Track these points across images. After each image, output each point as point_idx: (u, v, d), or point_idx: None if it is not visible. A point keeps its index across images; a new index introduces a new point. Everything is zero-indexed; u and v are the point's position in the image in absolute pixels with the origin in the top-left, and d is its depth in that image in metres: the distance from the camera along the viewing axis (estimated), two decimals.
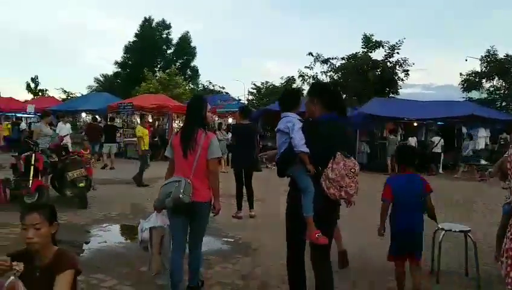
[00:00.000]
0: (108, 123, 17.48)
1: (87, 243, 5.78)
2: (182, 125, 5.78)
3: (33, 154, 7.77)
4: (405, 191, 3.78)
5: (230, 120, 19.55)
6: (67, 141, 14.82)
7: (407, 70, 29.60)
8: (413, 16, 76.55)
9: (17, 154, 8.59)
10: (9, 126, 21.71)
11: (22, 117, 24.40)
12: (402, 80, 29.92)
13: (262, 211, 7.84)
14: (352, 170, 3.08)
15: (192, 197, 3.51)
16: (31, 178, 7.55)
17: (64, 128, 14.83)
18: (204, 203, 3.71)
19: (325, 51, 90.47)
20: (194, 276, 3.84)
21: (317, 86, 5.48)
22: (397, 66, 29.68)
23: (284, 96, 3.55)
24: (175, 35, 47.57)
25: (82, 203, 7.82)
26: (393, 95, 30.40)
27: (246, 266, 4.88)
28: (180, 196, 3.44)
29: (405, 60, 29.34)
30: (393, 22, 70.22)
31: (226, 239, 6.04)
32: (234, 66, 78.77)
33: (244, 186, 7.65)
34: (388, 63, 29.69)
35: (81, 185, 7.87)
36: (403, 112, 17.91)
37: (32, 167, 7.65)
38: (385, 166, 15.73)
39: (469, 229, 4.36)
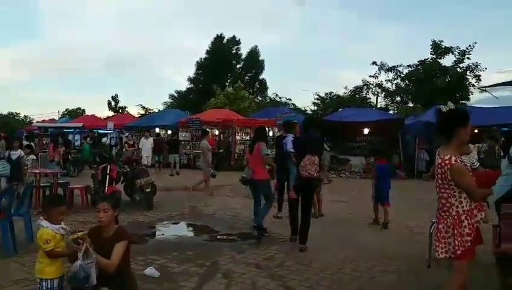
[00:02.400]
0: (173, 137, 19.36)
1: (150, 235, 6.98)
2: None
3: (108, 166, 9.22)
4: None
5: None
6: (149, 154, 16.57)
7: (479, 76, 28.56)
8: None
9: (95, 166, 10.15)
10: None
11: (103, 133, 26.89)
12: (473, 85, 28.94)
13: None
14: (314, 161, 6.00)
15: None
16: (106, 185, 8.96)
17: (146, 143, 16.54)
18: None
19: (396, 58, 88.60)
20: (260, 219, 6.81)
21: (306, 119, 8.02)
22: (468, 71, 28.78)
23: (285, 125, 8.20)
24: (244, 50, 49.23)
25: (148, 205, 9.11)
26: (463, 102, 29.42)
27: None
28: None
29: (476, 65, 28.43)
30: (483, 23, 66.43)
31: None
32: (304, 76, 79.35)
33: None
34: (458, 69, 28.85)
35: (148, 190, 9.19)
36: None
37: (107, 176, 9.09)
38: None
39: None
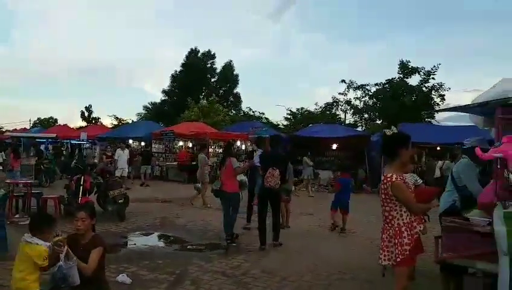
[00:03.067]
0: (146, 149, 19.67)
1: (121, 245, 7.21)
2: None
3: (82, 177, 9.40)
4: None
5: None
6: (124, 166, 16.48)
7: (443, 95, 29.85)
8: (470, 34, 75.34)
9: (69, 176, 10.30)
10: (65, 152, 23.99)
11: (75, 144, 26.72)
12: (438, 104, 30.16)
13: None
14: (273, 174, 7.09)
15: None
16: (80, 196, 9.14)
17: (122, 155, 16.55)
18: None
19: (366, 76, 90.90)
20: (230, 228, 7.45)
21: (271, 138, 8.94)
22: (433, 91, 30.04)
23: (256, 141, 9.22)
24: (219, 64, 49.80)
25: (121, 216, 9.32)
26: (429, 120, 30.66)
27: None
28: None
29: (441, 85, 29.71)
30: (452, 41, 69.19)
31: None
32: (278, 91, 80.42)
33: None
34: (424, 88, 30.07)
35: (121, 201, 9.40)
36: (428, 137, 18.46)
37: (81, 187, 9.27)
38: None
39: None
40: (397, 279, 3.76)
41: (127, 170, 16.95)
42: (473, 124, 5.56)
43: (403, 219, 3.69)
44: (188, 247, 7.19)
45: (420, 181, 6.02)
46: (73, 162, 19.06)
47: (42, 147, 21.61)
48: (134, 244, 7.34)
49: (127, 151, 17.57)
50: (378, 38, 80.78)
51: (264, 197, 7.37)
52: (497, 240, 3.65)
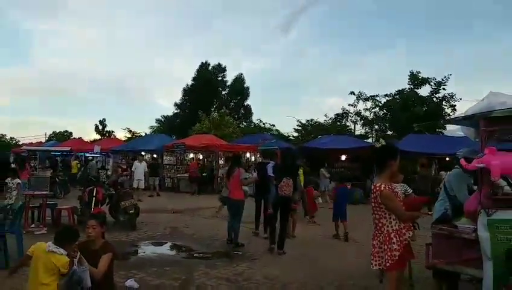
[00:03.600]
0: (154, 161, 20.71)
1: (132, 253, 7.52)
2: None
3: (94, 189, 9.79)
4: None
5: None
6: (141, 178, 16.83)
7: (454, 106, 29.84)
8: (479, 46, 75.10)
9: (82, 188, 10.70)
10: (78, 165, 24.51)
11: (89, 157, 27.33)
12: (449, 115, 30.12)
13: None
14: (288, 183, 7.65)
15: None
16: (92, 206, 9.51)
17: (139, 167, 16.94)
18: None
19: (379, 87, 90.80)
20: (236, 237, 8.09)
21: (283, 151, 10.38)
22: (444, 101, 30.06)
23: (266, 154, 10.94)
24: (230, 77, 50.50)
25: (132, 226, 9.64)
26: (440, 130, 30.59)
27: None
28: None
29: (452, 96, 29.72)
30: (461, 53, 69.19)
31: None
32: (289, 102, 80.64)
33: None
34: (434, 99, 30.12)
35: (131, 212, 9.75)
36: (436, 148, 18.53)
37: (94, 198, 9.65)
38: None
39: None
40: (388, 282, 3.99)
41: (144, 182, 17.26)
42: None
43: (392, 226, 3.91)
44: (195, 255, 7.45)
45: (410, 191, 6.23)
46: (78, 175, 19.70)
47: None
48: (144, 252, 7.64)
49: (144, 163, 17.99)
50: (388, 48, 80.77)
51: (277, 204, 7.81)
52: (482, 245, 3.87)
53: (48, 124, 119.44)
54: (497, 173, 3.73)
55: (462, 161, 4.16)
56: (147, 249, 7.88)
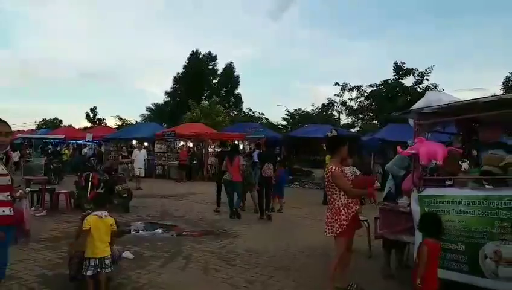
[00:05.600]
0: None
1: (126, 232, 8.32)
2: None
3: (90, 174, 10.59)
4: None
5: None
6: (141, 166, 17.07)
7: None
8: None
9: (79, 174, 11.49)
10: (67, 152, 25.14)
11: (81, 144, 27.99)
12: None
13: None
14: (270, 167, 10.33)
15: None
16: (89, 191, 10.32)
17: (139, 155, 17.22)
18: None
19: (368, 76, 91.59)
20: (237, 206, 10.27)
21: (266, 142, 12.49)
22: (427, 91, 31.00)
23: (255, 146, 14.40)
24: (220, 65, 50.89)
25: (125, 209, 10.47)
26: None
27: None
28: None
29: (435, 86, 30.66)
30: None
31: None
32: (279, 91, 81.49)
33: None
34: (418, 89, 31.03)
35: (125, 195, 10.57)
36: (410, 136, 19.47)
37: (90, 183, 10.46)
38: None
39: (366, 219, 6.45)
40: (337, 247, 4.89)
41: (144, 169, 17.46)
42: None
43: (341, 201, 4.80)
44: (183, 233, 8.31)
45: (358, 172, 7.09)
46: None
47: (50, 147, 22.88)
48: (137, 231, 8.45)
49: (144, 151, 18.28)
50: (378, 39, 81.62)
51: (261, 183, 10.42)
52: (414, 216, 4.77)
53: (35, 111, 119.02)
54: (424, 158, 4.62)
55: (399, 148, 5.04)
56: (140, 228, 8.71)
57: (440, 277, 4.09)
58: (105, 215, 4.71)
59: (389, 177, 5.95)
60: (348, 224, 4.77)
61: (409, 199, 5.02)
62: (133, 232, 8.35)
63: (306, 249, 7.06)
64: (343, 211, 4.78)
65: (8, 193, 3.61)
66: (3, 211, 3.47)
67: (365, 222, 6.40)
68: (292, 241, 7.67)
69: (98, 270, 4.52)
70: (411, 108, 5.75)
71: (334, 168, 4.78)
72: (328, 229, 4.88)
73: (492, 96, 4.15)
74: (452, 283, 4.30)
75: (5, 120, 3.75)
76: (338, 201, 4.81)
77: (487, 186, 4.35)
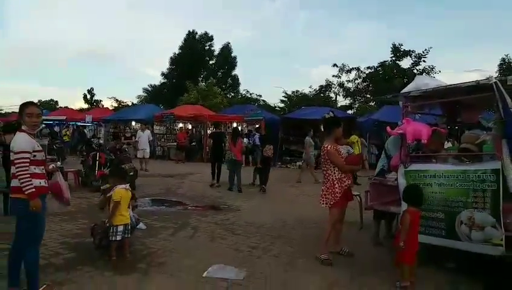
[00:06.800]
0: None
1: (134, 207, 8.88)
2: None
3: (97, 153, 11.09)
4: None
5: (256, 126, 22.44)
6: (145, 147, 16.77)
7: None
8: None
9: (85, 153, 11.99)
10: (68, 133, 25.60)
11: (80, 126, 28.36)
12: None
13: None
14: (270, 148, 12.04)
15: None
16: (96, 169, 10.84)
17: (143, 136, 17.07)
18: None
19: (365, 57, 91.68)
20: (238, 184, 11.63)
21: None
22: (424, 73, 31.39)
23: (256, 130, 17.04)
24: (217, 46, 50.76)
25: (132, 186, 10.87)
26: None
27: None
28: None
29: (432, 68, 31.09)
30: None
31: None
32: (276, 72, 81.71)
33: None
34: (415, 71, 31.41)
35: (131, 174, 11.07)
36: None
37: (97, 162, 10.97)
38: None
39: (358, 193, 7.01)
40: (330, 216, 5.46)
41: (149, 151, 17.26)
42: None
43: (335, 175, 5.36)
44: (189, 208, 8.90)
45: (352, 151, 7.63)
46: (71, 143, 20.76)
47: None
48: (145, 206, 9.00)
49: (147, 131, 17.97)
50: (377, 19, 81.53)
51: (262, 161, 12.14)
52: (400, 189, 5.32)
53: (28, 92, 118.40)
54: (411, 138, 5.15)
55: (388, 128, 5.58)
56: (147, 204, 9.27)
57: (422, 242, 4.68)
58: (128, 188, 5.24)
59: (382, 155, 6.48)
60: (340, 196, 5.34)
61: (396, 174, 5.57)
62: (140, 207, 8.89)
63: (301, 222, 7.67)
64: (336, 184, 5.34)
65: (43, 167, 4.12)
66: (40, 183, 3.97)
67: (357, 197, 6.95)
68: (289, 215, 8.26)
69: (124, 235, 5.09)
70: (401, 92, 6.25)
71: (329, 146, 5.32)
72: (323, 200, 5.44)
73: (472, 81, 4.63)
74: (432, 247, 4.89)
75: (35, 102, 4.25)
76: (332, 175, 5.36)
77: (466, 162, 4.89)
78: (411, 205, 4.61)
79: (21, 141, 3.87)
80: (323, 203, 5.44)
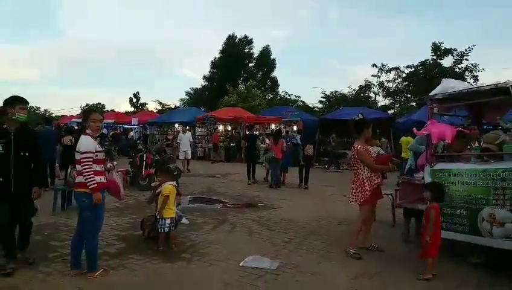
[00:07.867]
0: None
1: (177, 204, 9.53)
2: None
3: (144, 154, 11.87)
4: None
5: (294, 128, 22.76)
6: (187, 148, 17.28)
7: (476, 76, 30.28)
8: None
9: (133, 154, 12.82)
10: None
11: (127, 128, 29.77)
12: (472, 85, 30.67)
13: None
14: (311, 147, 13.23)
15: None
16: (143, 169, 11.61)
17: (184, 138, 17.69)
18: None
19: (405, 56, 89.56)
20: (277, 180, 12.87)
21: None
22: (466, 72, 30.63)
23: (297, 131, 17.80)
24: (256, 49, 51.58)
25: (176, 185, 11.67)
26: None
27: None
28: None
29: (475, 66, 30.25)
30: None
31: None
32: (315, 72, 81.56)
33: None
34: (457, 70, 30.68)
35: (175, 173, 11.73)
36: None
37: (144, 163, 11.74)
38: None
39: (390, 193, 7.28)
40: (360, 213, 5.81)
41: (190, 152, 17.70)
42: None
43: (365, 174, 5.71)
44: (228, 205, 9.44)
45: (382, 152, 7.92)
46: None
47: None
48: (187, 204, 9.61)
49: (188, 133, 18.65)
50: (417, 17, 79.68)
51: (304, 160, 12.90)
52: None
53: (76, 96, 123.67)
54: (436, 138, 5.43)
55: (415, 130, 5.86)
56: (189, 202, 9.88)
57: (446, 238, 4.97)
58: (175, 185, 5.83)
59: (411, 155, 6.76)
60: (370, 194, 5.68)
61: (423, 172, 5.86)
62: (183, 205, 9.51)
63: (335, 220, 8.01)
64: (366, 183, 5.68)
65: (103, 165, 4.75)
66: (100, 179, 4.60)
67: (390, 196, 7.25)
68: (323, 213, 8.62)
69: (170, 228, 5.68)
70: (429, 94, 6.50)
71: (359, 147, 5.68)
72: (353, 198, 5.80)
73: (490, 84, 4.87)
74: (455, 243, 5.15)
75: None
76: (362, 175, 5.72)
77: (487, 161, 5.13)
78: (435, 200, 4.90)
79: (86, 143, 4.52)
80: (352, 201, 5.80)
